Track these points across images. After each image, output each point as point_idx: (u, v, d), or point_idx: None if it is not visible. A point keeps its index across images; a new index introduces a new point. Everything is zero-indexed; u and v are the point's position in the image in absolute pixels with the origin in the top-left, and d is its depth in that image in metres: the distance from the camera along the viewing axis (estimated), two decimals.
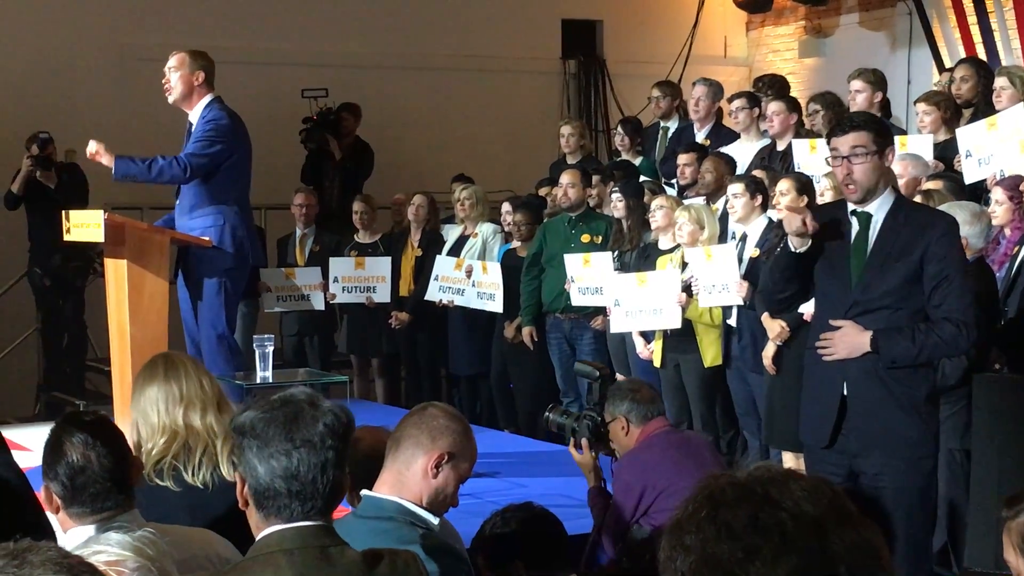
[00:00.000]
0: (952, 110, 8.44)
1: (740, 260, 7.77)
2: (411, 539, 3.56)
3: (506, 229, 10.07)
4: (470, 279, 9.76)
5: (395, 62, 13.84)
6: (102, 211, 7.20)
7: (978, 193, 7.48)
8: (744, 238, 7.91)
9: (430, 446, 3.79)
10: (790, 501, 1.64)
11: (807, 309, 6.89)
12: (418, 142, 13.77)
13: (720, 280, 7.73)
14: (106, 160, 7.24)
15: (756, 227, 7.82)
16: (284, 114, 12.69)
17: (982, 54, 11.89)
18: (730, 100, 9.80)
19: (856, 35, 14.04)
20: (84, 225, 7.19)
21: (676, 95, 10.98)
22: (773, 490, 1.65)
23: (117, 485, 3.26)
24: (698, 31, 15.26)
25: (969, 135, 7.68)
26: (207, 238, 7.36)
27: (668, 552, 1.67)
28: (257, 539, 2.92)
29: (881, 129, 5.13)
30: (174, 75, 7.47)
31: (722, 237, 8.24)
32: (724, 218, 8.39)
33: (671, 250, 8.38)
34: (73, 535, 3.25)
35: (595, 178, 9.62)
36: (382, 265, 10.37)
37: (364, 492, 3.80)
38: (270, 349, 7.28)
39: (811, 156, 8.31)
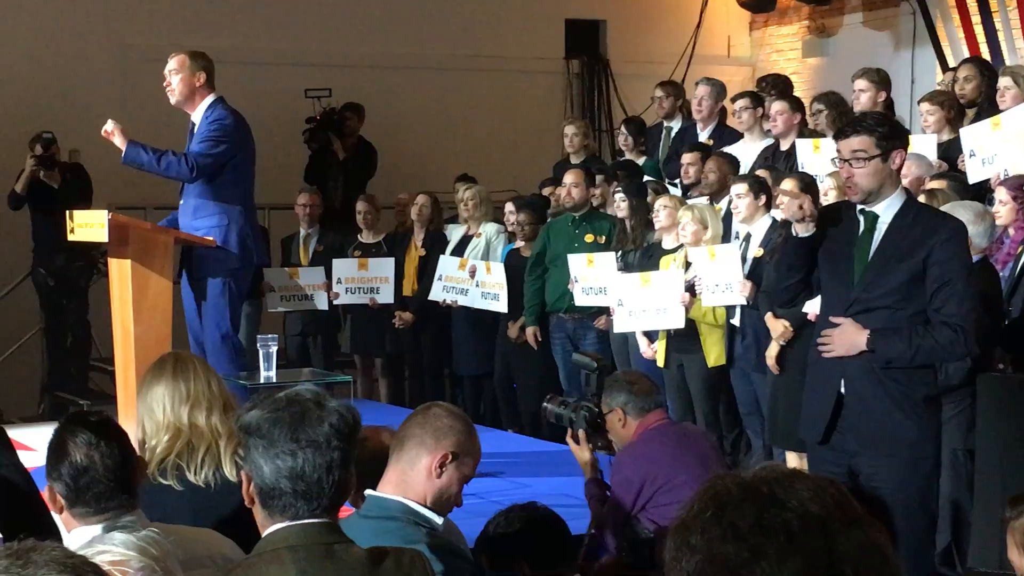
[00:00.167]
0: (956, 110, 8.43)
1: (744, 260, 7.76)
2: (415, 539, 3.56)
3: (510, 229, 10.07)
4: (474, 279, 9.76)
5: (398, 62, 13.85)
6: (106, 211, 7.21)
7: (982, 193, 7.47)
8: (748, 238, 7.91)
9: (434, 446, 3.79)
10: (796, 501, 1.63)
11: (811, 308, 6.90)
12: (421, 142, 13.77)
13: (724, 280, 7.73)
14: (119, 141, 7.26)
15: (760, 227, 7.82)
16: (288, 114, 12.69)
17: (986, 54, 11.89)
18: (734, 100, 9.80)
19: (860, 35, 14.03)
20: (88, 225, 7.19)
21: (679, 95, 10.98)
22: (779, 490, 1.65)
23: (121, 485, 3.26)
24: (701, 31, 15.26)
25: (973, 135, 7.67)
26: (211, 238, 7.36)
27: (674, 552, 1.67)
28: (263, 536, 2.92)
29: (888, 131, 5.07)
30: (175, 77, 7.46)
31: (725, 237, 8.24)
32: (728, 218, 8.39)
33: (674, 250, 8.38)
34: (77, 535, 3.25)
35: (599, 178, 9.62)
36: (385, 266, 10.37)
37: (368, 492, 3.80)
38: (274, 349, 7.29)
39: (815, 156, 8.31)
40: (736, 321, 7.92)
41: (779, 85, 10.47)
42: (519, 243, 9.84)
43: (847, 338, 5.07)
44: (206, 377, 4.27)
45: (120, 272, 7.14)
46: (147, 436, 4.19)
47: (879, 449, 5.09)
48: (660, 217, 8.45)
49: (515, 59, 14.43)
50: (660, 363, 8.37)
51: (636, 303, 8.22)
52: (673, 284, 8.09)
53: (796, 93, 10.62)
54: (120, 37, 12.73)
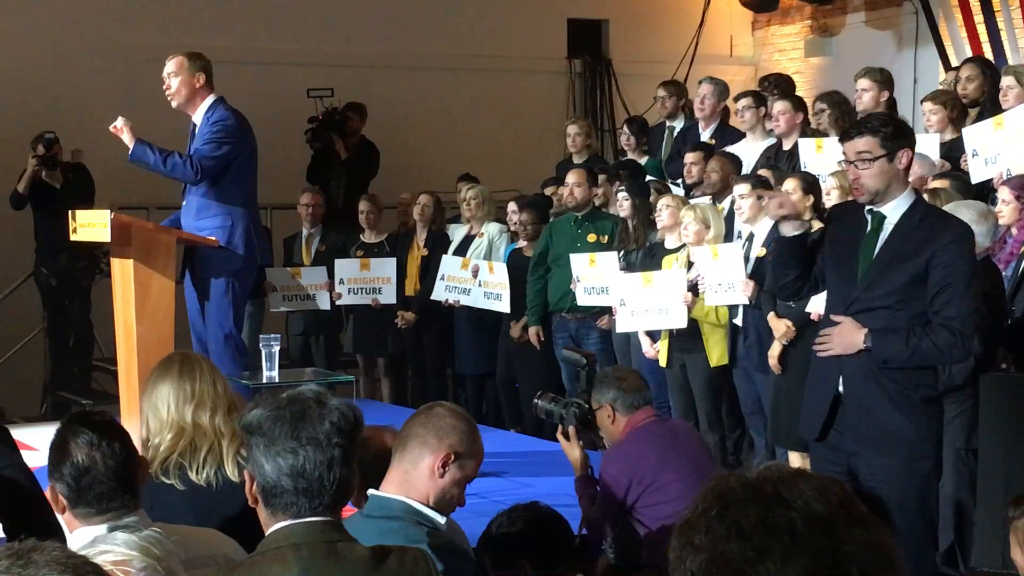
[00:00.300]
0: (958, 109, 8.43)
1: (747, 259, 7.76)
2: (418, 538, 3.56)
3: (512, 229, 10.07)
4: (476, 279, 9.77)
5: (401, 62, 13.85)
6: (108, 211, 7.21)
7: (984, 192, 7.46)
8: (751, 237, 7.91)
9: (437, 446, 3.79)
10: (800, 501, 1.63)
11: (814, 308, 6.90)
12: (424, 142, 13.77)
13: (726, 279, 7.73)
14: (127, 138, 7.26)
15: (763, 226, 7.81)
16: (290, 114, 12.69)
17: (988, 53, 11.88)
18: (736, 99, 9.80)
19: (862, 34, 14.03)
20: (90, 225, 7.19)
21: (682, 94, 10.98)
22: (783, 489, 1.64)
23: (123, 485, 3.26)
24: (704, 30, 15.26)
25: (975, 134, 7.67)
26: (214, 238, 7.36)
27: (678, 552, 1.66)
28: (267, 534, 2.92)
29: (893, 131, 5.06)
30: (175, 80, 7.45)
31: (727, 236, 8.24)
32: (730, 217, 8.39)
33: (677, 250, 8.38)
34: (79, 535, 3.25)
35: (601, 177, 9.62)
36: (387, 266, 10.37)
37: (371, 491, 3.80)
38: (276, 348, 7.29)
39: (817, 155, 8.31)
40: (739, 321, 7.91)
41: (781, 85, 10.47)
42: (521, 243, 9.84)
43: (845, 337, 5.07)
44: (212, 378, 4.29)
45: (123, 272, 7.15)
46: (151, 434, 4.20)
47: (876, 449, 5.09)
48: (662, 217, 8.45)
49: (517, 59, 14.43)
50: (662, 363, 8.37)
51: (638, 303, 8.22)
52: (675, 284, 8.08)
53: (798, 93, 10.62)
54: (122, 37, 12.73)
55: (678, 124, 10.77)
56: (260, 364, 7.33)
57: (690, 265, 8.18)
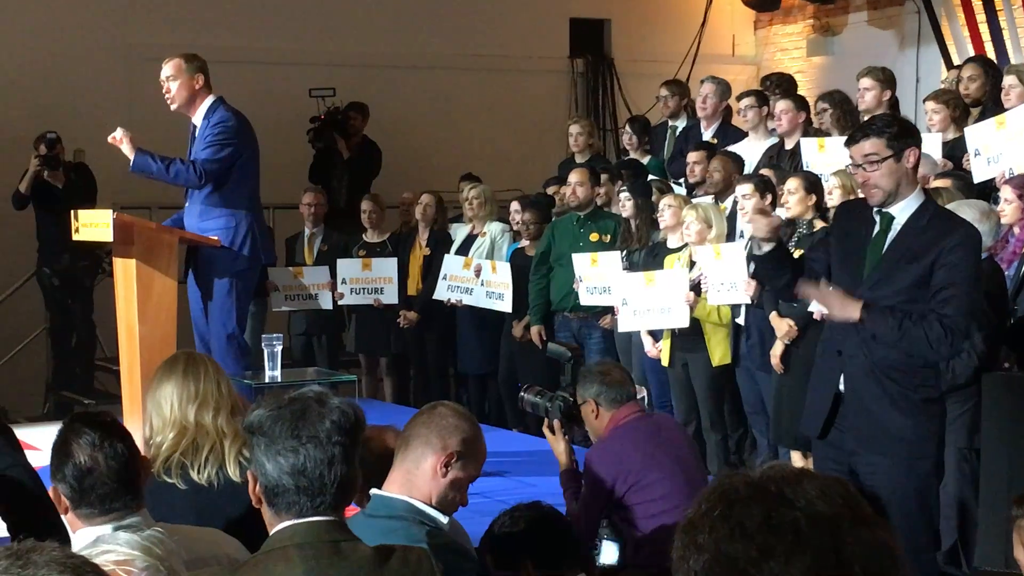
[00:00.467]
0: (961, 108, 8.42)
1: (749, 259, 7.75)
2: (420, 538, 3.56)
3: (514, 228, 10.08)
4: (479, 278, 9.77)
5: (403, 61, 13.85)
6: (111, 210, 7.21)
7: (987, 192, 7.46)
8: (753, 237, 7.90)
9: (439, 445, 3.79)
10: (804, 500, 1.63)
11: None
12: (426, 141, 13.77)
13: (729, 278, 7.73)
14: (127, 149, 7.26)
15: None
16: (292, 114, 12.70)
17: (991, 52, 11.88)
18: (739, 98, 9.80)
19: (864, 33, 14.02)
20: (93, 224, 7.19)
21: (684, 94, 10.98)
22: (787, 489, 1.64)
23: (125, 486, 3.26)
24: (706, 30, 15.26)
25: (978, 133, 7.66)
26: (216, 238, 7.36)
27: (681, 551, 1.66)
28: (271, 534, 2.93)
29: (898, 131, 5.05)
30: (173, 83, 7.44)
31: (729, 236, 8.24)
32: (732, 217, 8.39)
33: (679, 249, 8.38)
34: (82, 536, 3.25)
35: (603, 177, 9.62)
36: (388, 266, 10.38)
37: (374, 491, 3.80)
38: (279, 348, 7.29)
39: (819, 154, 8.31)
40: (741, 320, 7.91)
41: (783, 84, 10.48)
42: (524, 242, 9.85)
43: (846, 303, 5.04)
44: (216, 378, 4.30)
45: (125, 272, 7.15)
46: (153, 432, 4.22)
47: (876, 448, 5.09)
48: (664, 216, 8.45)
49: (520, 58, 14.43)
50: (665, 362, 8.37)
51: (640, 302, 8.22)
52: (677, 283, 8.08)
53: (801, 92, 10.62)
54: (124, 37, 12.74)
55: (680, 123, 10.77)
56: (262, 364, 7.33)
57: (692, 264, 8.17)
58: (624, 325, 8.48)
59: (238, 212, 7.44)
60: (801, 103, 9.29)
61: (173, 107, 7.51)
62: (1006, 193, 6.81)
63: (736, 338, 8.00)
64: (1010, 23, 12.31)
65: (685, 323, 8.06)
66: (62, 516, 3.37)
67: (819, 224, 7.40)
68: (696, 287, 8.01)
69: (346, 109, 12.73)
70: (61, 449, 3.29)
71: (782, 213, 7.69)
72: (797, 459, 7.15)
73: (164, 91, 7.49)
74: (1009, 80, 8.12)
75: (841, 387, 5.17)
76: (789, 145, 9.02)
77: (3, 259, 11.75)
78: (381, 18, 13.89)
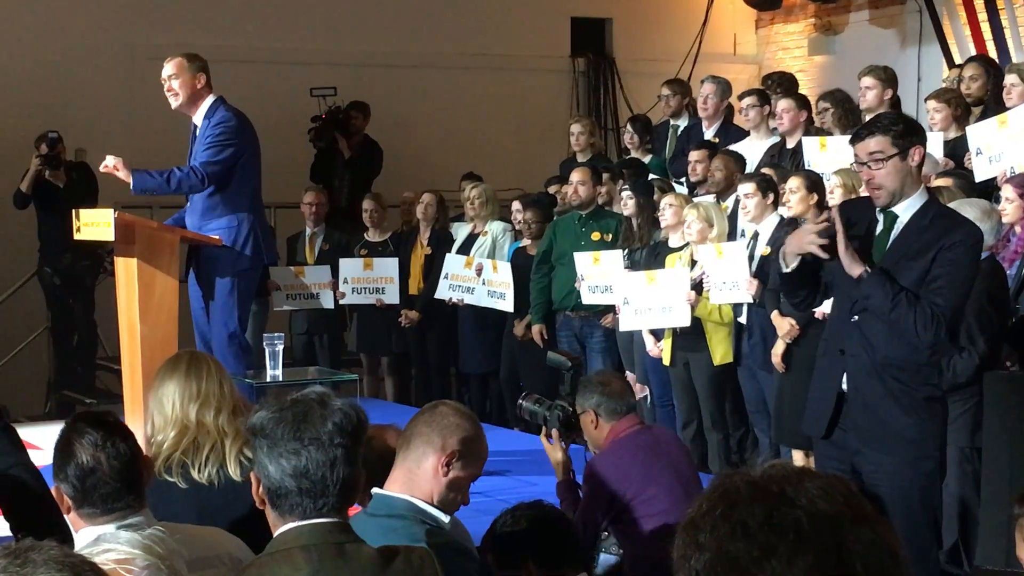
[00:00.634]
0: (962, 107, 8.42)
1: (752, 258, 7.76)
2: (422, 537, 3.56)
3: (516, 227, 10.08)
4: (480, 277, 9.77)
5: (404, 60, 13.85)
6: (112, 210, 7.20)
7: (988, 191, 7.46)
8: (756, 236, 7.90)
9: (441, 444, 3.79)
10: (805, 499, 1.63)
11: (818, 307, 6.90)
12: (427, 140, 13.77)
13: (731, 277, 7.72)
14: (123, 175, 7.23)
15: (768, 225, 7.82)
16: (293, 113, 12.70)
17: (992, 51, 11.87)
18: (740, 98, 9.80)
19: (866, 32, 14.02)
20: (94, 224, 7.19)
21: (686, 93, 10.97)
22: (788, 488, 1.64)
23: (128, 486, 3.26)
24: (707, 29, 15.25)
25: (979, 132, 7.66)
26: (218, 237, 7.36)
27: (683, 550, 1.66)
28: (275, 535, 2.93)
29: (903, 129, 5.04)
30: (175, 82, 7.43)
31: (731, 235, 8.24)
32: (733, 216, 8.39)
33: (681, 248, 8.38)
34: (84, 535, 3.25)
35: (605, 176, 9.62)
36: (390, 266, 10.38)
37: (375, 490, 3.80)
38: (280, 347, 7.29)
39: (821, 153, 8.30)
40: (743, 319, 7.91)
41: (785, 83, 10.47)
42: (525, 241, 9.85)
43: (853, 260, 5.02)
44: (219, 378, 4.30)
45: (126, 271, 7.14)
46: (155, 430, 4.22)
47: (880, 447, 5.08)
48: (666, 215, 8.45)
49: (521, 57, 14.43)
50: (666, 361, 8.37)
51: (642, 301, 8.22)
52: (679, 282, 8.08)
53: (802, 91, 10.62)
54: (126, 36, 12.74)
55: (682, 122, 10.76)
56: (264, 363, 7.33)
57: (693, 264, 8.17)
58: (625, 324, 8.48)
59: (240, 212, 7.44)
60: (802, 102, 9.29)
61: (174, 105, 7.50)
62: (1007, 192, 6.81)
63: (738, 337, 8.00)
64: (1012, 22, 12.30)
65: (686, 322, 8.06)
66: (64, 516, 3.37)
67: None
68: (697, 286, 8.01)
69: (347, 108, 12.73)
70: (64, 449, 3.29)
71: (784, 212, 7.70)
72: (799, 458, 7.15)
73: (166, 89, 7.48)
74: (1010, 79, 8.12)
75: (843, 386, 5.17)
76: (791, 144, 9.02)
77: (4, 258, 11.75)
78: (382, 17, 13.89)
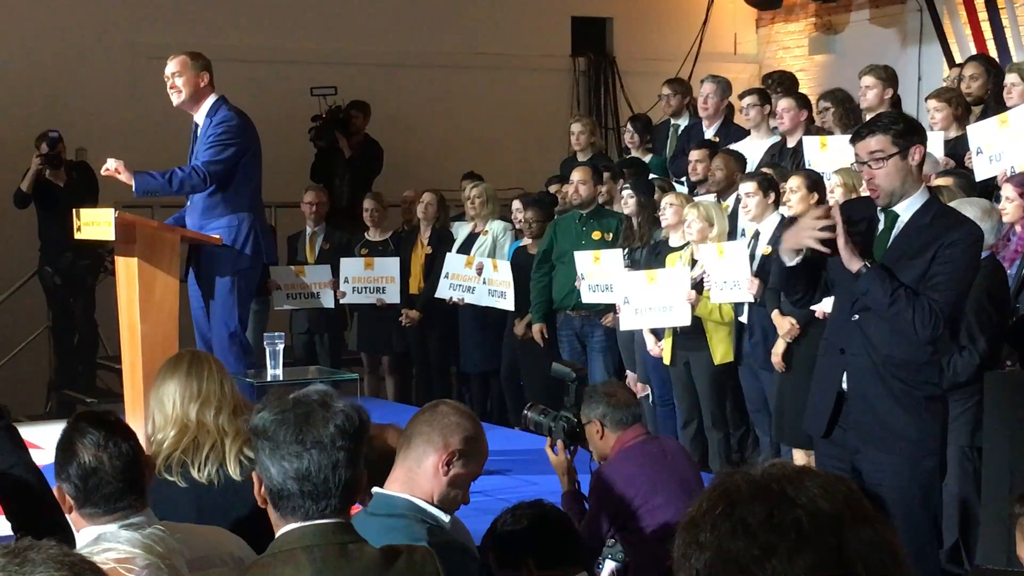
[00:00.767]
0: (963, 107, 8.42)
1: (753, 257, 7.76)
2: (422, 536, 3.56)
3: (516, 226, 10.08)
4: (480, 277, 9.77)
5: (404, 60, 13.85)
6: (112, 209, 7.20)
7: (989, 190, 7.46)
8: (757, 235, 7.90)
9: (441, 444, 3.79)
10: (806, 498, 1.63)
11: (819, 306, 6.90)
12: (428, 140, 13.77)
13: (732, 277, 7.72)
14: (125, 178, 7.22)
15: (769, 224, 7.81)
16: (293, 112, 12.70)
17: (993, 51, 11.88)
18: (741, 97, 9.80)
19: (866, 32, 14.02)
20: (94, 223, 7.19)
21: (686, 92, 10.97)
22: (789, 487, 1.64)
23: (130, 485, 3.26)
24: (708, 28, 15.26)
25: (980, 132, 7.66)
26: (218, 236, 7.36)
27: (683, 549, 1.66)
28: (277, 536, 2.92)
29: (904, 128, 5.05)
30: (179, 79, 7.42)
31: (731, 234, 8.24)
32: (734, 215, 8.39)
33: (681, 247, 8.38)
34: (86, 535, 3.25)
35: (605, 175, 9.62)
36: (390, 266, 10.38)
37: (375, 489, 3.80)
38: (280, 346, 7.29)
39: (822, 153, 8.30)
40: (744, 319, 7.91)
41: (785, 82, 10.47)
42: (526, 240, 9.85)
43: (852, 255, 5.02)
44: (220, 378, 4.30)
45: (127, 270, 7.14)
46: (155, 429, 4.23)
47: (880, 447, 5.08)
48: (666, 215, 8.44)
49: (522, 57, 14.43)
50: (666, 360, 8.37)
51: (642, 301, 8.22)
52: (679, 282, 8.08)
53: (803, 90, 10.62)
54: (126, 35, 12.74)
55: (682, 122, 10.76)
56: (264, 362, 7.33)
57: (694, 263, 8.17)
58: (626, 323, 8.48)
59: (240, 211, 7.43)
60: (803, 101, 9.29)
61: (176, 103, 7.49)
62: (1007, 191, 6.81)
63: (739, 336, 8.01)
64: (1012, 21, 12.31)
65: (687, 322, 8.06)
66: (66, 515, 3.37)
67: None
68: (698, 285, 8.01)
69: (348, 108, 12.74)
70: (66, 448, 3.29)
71: (785, 212, 7.70)
72: (799, 457, 7.15)
73: (169, 87, 7.46)
74: (1011, 78, 8.12)
75: (844, 385, 5.17)
76: (791, 143, 9.02)
77: (5, 258, 11.76)
78: (383, 17, 13.89)
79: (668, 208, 8.42)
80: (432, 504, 3.76)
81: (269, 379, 7.15)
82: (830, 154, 8.17)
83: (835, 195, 7.29)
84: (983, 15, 12.44)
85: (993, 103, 8.41)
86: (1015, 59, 11.43)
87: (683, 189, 9.51)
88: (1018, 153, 7.35)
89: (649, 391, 8.80)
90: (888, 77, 8.89)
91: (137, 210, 8.78)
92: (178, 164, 7.42)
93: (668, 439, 6.67)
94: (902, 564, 1.64)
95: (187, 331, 7.45)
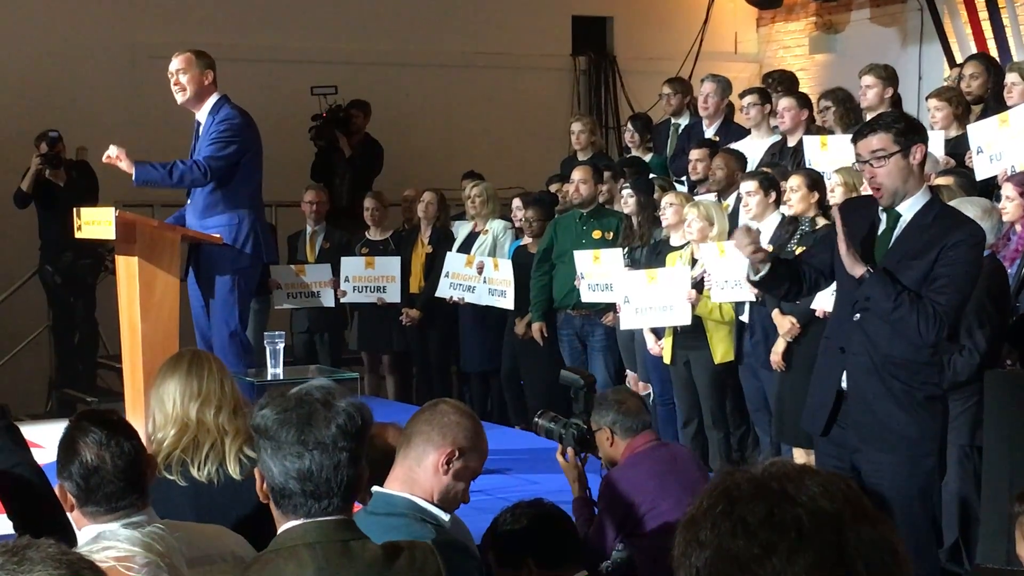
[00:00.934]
0: (963, 106, 8.42)
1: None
2: (422, 535, 3.55)
3: (517, 225, 10.08)
4: (481, 276, 9.77)
5: (405, 59, 13.85)
6: (113, 208, 7.20)
7: (989, 189, 7.46)
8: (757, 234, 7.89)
9: (441, 442, 3.79)
10: (806, 497, 1.63)
11: (819, 305, 6.90)
12: (428, 139, 13.77)
13: (733, 276, 7.72)
14: (125, 166, 7.22)
15: (770, 223, 7.81)
16: (294, 111, 12.70)
17: (993, 50, 11.87)
18: (741, 96, 9.80)
19: (867, 31, 14.02)
20: (95, 222, 7.19)
21: (687, 92, 10.97)
22: (789, 486, 1.64)
23: (131, 484, 3.26)
24: (708, 27, 15.25)
25: (980, 131, 7.65)
26: (219, 235, 7.36)
27: (683, 547, 1.66)
28: (279, 532, 2.92)
29: (905, 127, 5.07)
30: (183, 76, 7.41)
31: (731, 233, 8.22)
32: (734, 214, 8.38)
33: (681, 247, 8.37)
34: (88, 533, 3.25)
35: (606, 174, 9.62)
36: (391, 265, 10.39)
37: (375, 488, 3.80)
38: (281, 345, 7.29)
39: (822, 152, 8.30)
40: (745, 318, 7.91)
41: (785, 81, 10.46)
42: (526, 239, 9.85)
43: (854, 261, 5.03)
44: (220, 377, 4.30)
45: (127, 269, 7.14)
46: (155, 428, 4.22)
47: (879, 446, 5.08)
48: (667, 214, 8.44)
49: (522, 56, 14.43)
50: (667, 360, 8.37)
51: (642, 300, 8.22)
52: (679, 281, 8.08)
53: (803, 89, 10.61)
54: (127, 34, 12.74)
55: (683, 121, 10.76)
56: (265, 361, 7.33)
57: (694, 262, 8.17)
58: (626, 323, 8.48)
59: (240, 210, 7.43)
60: (804, 101, 9.28)
61: (180, 100, 7.48)
62: (1008, 191, 6.81)
63: (739, 335, 8.01)
64: (1012, 20, 12.30)
65: (687, 321, 8.06)
66: (67, 514, 3.37)
67: (821, 222, 7.40)
68: (698, 285, 8.01)
69: (348, 107, 12.73)
70: (68, 447, 3.29)
71: (785, 211, 7.69)
72: (799, 456, 7.15)
73: (173, 83, 7.44)
74: (1011, 77, 8.12)
75: (843, 384, 5.17)
76: (791, 143, 9.02)
77: (5, 257, 11.76)
78: (383, 16, 13.89)
79: (668, 207, 8.42)
80: (432, 503, 3.76)
81: (269, 378, 7.15)
82: (830, 153, 8.16)
83: (836, 194, 7.29)
84: (983, 14, 12.43)
85: (993, 102, 8.41)
86: (1015, 58, 11.43)
87: (683, 188, 9.51)
88: (1018, 152, 7.35)
89: (650, 390, 8.80)
90: (888, 76, 8.89)
91: (138, 209, 8.78)
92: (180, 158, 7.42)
93: (678, 446, 6.70)
94: (903, 563, 1.64)
95: (187, 330, 7.45)
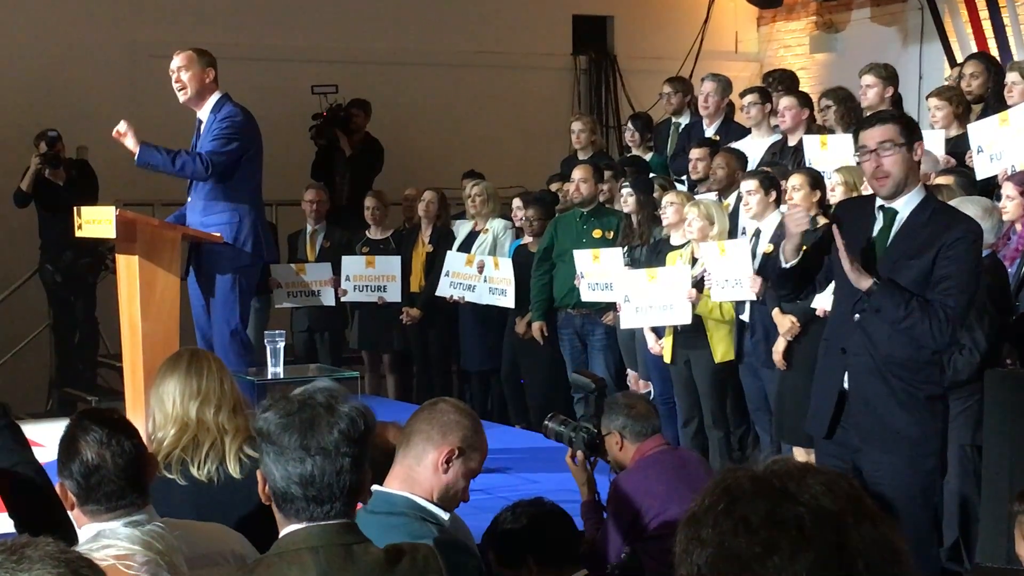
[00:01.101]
0: (964, 105, 8.42)
1: (754, 255, 7.76)
2: (422, 535, 3.56)
3: (517, 224, 10.08)
4: (481, 275, 9.77)
5: (405, 58, 13.84)
6: (113, 207, 7.20)
7: (989, 189, 7.46)
8: (758, 233, 7.90)
9: (440, 441, 3.79)
10: (808, 495, 1.63)
11: (819, 305, 6.90)
12: (429, 138, 13.77)
13: (733, 275, 7.72)
14: (131, 143, 7.23)
15: (770, 222, 7.81)
16: (294, 110, 12.70)
17: (994, 49, 11.87)
18: (742, 95, 9.80)
19: (867, 30, 14.01)
20: (95, 221, 7.19)
21: (687, 91, 10.97)
22: (791, 484, 1.64)
23: (132, 483, 3.26)
24: (709, 26, 15.25)
25: (981, 130, 7.65)
26: (219, 234, 7.36)
27: (684, 545, 1.66)
28: (281, 535, 2.92)
29: (909, 124, 5.13)
30: (185, 74, 7.41)
31: (732, 232, 8.23)
32: (735, 213, 8.38)
33: (682, 246, 8.38)
34: (88, 531, 3.25)
35: (606, 174, 9.62)
36: (392, 264, 10.39)
37: (375, 487, 3.80)
38: (281, 344, 7.29)
39: (822, 151, 8.30)
40: (746, 317, 7.91)
41: (786, 81, 10.46)
42: (526, 239, 9.85)
43: (860, 274, 5.03)
44: (219, 376, 4.30)
45: (127, 268, 7.14)
46: (155, 427, 4.22)
47: (880, 446, 5.09)
48: (667, 213, 8.44)
49: (523, 55, 14.43)
50: (667, 359, 8.37)
51: (643, 299, 8.22)
52: (680, 280, 8.08)
53: (804, 89, 10.60)
54: (127, 33, 12.74)
55: (683, 120, 10.76)
56: (265, 360, 7.33)
57: (694, 261, 8.17)
58: (626, 322, 8.48)
59: (241, 208, 7.43)
60: (804, 100, 9.28)
61: (182, 98, 7.48)
62: (1008, 190, 6.81)
63: (740, 334, 8.01)
64: (1013, 20, 12.30)
65: (687, 320, 8.06)
66: (68, 512, 3.37)
67: (822, 221, 7.40)
68: (698, 284, 8.01)
69: (348, 106, 12.73)
70: (69, 446, 3.29)
71: (785, 210, 7.69)
72: (800, 455, 7.14)
73: (174, 81, 7.44)
74: (1012, 77, 8.12)
75: (845, 385, 5.17)
76: (792, 142, 9.02)
77: (5, 256, 11.76)
78: (384, 15, 13.88)
79: (669, 207, 8.42)
80: (432, 502, 3.76)
81: (270, 377, 7.15)
82: (831, 153, 8.16)
83: (836, 194, 7.29)
84: (984, 13, 12.43)
85: (994, 101, 8.41)
86: (1016, 57, 11.43)
87: (684, 188, 9.51)
88: (1019, 152, 7.35)
89: (650, 388, 8.80)
90: (888, 76, 8.88)
91: (138, 208, 8.78)
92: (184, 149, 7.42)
93: (689, 452, 6.70)
94: (904, 562, 1.64)
95: (188, 329, 7.45)
